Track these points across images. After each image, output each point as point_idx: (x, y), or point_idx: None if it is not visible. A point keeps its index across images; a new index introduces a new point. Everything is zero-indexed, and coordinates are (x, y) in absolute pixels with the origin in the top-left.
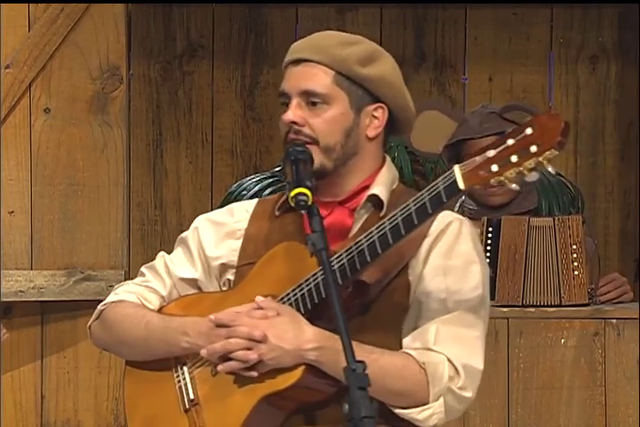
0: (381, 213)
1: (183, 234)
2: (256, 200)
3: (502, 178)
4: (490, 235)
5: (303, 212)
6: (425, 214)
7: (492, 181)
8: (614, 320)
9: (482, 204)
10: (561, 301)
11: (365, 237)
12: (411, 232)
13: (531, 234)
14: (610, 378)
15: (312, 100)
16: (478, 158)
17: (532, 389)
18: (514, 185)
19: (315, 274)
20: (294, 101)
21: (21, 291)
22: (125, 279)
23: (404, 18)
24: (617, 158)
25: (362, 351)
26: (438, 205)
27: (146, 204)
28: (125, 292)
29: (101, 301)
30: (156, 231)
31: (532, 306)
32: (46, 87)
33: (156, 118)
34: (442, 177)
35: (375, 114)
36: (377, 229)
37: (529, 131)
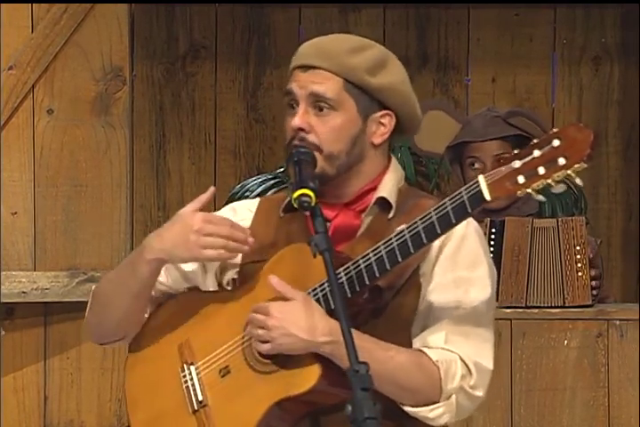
0: (390, 215)
1: None
2: (258, 199)
3: (529, 190)
4: (493, 236)
5: (306, 213)
6: (448, 224)
7: (519, 193)
8: (617, 321)
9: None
10: (564, 302)
11: (384, 244)
12: (432, 241)
13: (534, 235)
14: (613, 379)
15: (320, 104)
16: (504, 169)
17: (534, 390)
18: (540, 196)
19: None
20: (302, 107)
21: (24, 292)
22: None
23: (406, 19)
24: (620, 159)
25: (379, 348)
26: (462, 215)
27: (149, 205)
28: None
29: None
30: None
31: (536, 307)
32: (49, 88)
33: (159, 119)
34: (465, 187)
35: (382, 121)
36: (396, 236)
37: (556, 143)
